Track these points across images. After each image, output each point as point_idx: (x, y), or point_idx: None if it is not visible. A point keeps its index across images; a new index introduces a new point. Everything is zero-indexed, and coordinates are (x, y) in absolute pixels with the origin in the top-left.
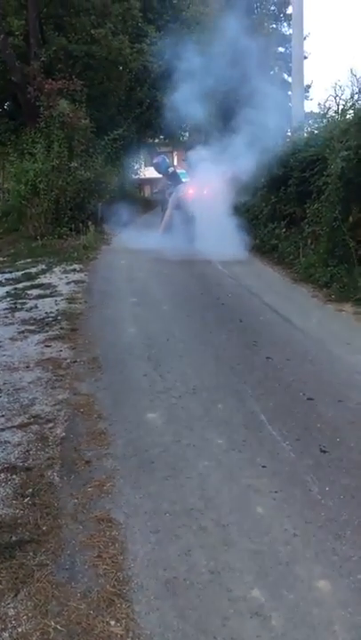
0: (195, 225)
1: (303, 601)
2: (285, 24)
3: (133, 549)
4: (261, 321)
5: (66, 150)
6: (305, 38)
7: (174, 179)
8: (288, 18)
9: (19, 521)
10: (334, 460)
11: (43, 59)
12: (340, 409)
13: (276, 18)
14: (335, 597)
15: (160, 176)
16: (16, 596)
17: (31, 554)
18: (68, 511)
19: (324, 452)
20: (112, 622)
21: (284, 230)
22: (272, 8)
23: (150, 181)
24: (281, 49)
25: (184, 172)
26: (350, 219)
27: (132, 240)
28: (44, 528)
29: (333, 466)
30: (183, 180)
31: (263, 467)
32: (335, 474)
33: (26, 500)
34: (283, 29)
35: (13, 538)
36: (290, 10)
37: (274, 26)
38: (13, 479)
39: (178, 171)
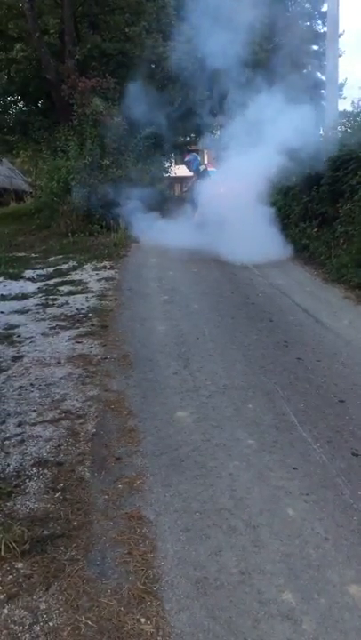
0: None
1: (335, 605)
2: (320, 22)
3: (164, 547)
4: (292, 321)
5: (98, 148)
6: (340, 36)
7: (205, 177)
8: (323, 15)
9: (50, 515)
10: None
11: (77, 57)
12: None
13: (310, 15)
14: None
15: (191, 174)
16: (47, 590)
17: (62, 548)
18: (98, 507)
19: (356, 455)
20: (142, 620)
21: (315, 230)
22: (307, 6)
23: (181, 180)
24: (315, 47)
25: (215, 170)
26: None
27: (163, 238)
28: (74, 523)
29: None
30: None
31: (294, 468)
32: None
33: (57, 495)
34: (317, 27)
35: (45, 532)
36: (325, 7)
37: (308, 23)
38: (45, 474)
39: (208, 169)
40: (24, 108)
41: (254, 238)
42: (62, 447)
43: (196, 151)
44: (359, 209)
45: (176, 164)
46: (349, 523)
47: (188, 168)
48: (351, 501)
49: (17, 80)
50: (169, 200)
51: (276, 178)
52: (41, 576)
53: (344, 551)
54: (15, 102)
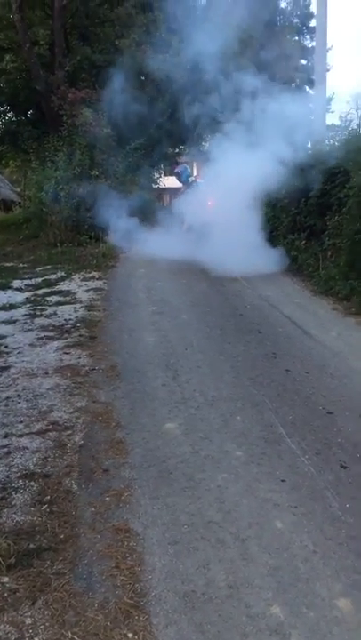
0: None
1: (323, 619)
2: (308, 36)
3: (151, 561)
4: (280, 332)
5: (87, 159)
6: (328, 51)
7: (193, 189)
8: (311, 30)
9: (36, 528)
10: (355, 476)
11: (67, 68)
12: None
13: (298, 30)
14: (356, 617)
15: (180, 185)
16: (33, 604)
17: (49, 562)
18: (85, 520)
19: (345, 467)
20: (129, 635)
21: (303, 242)
22: (295, 21)
23: (170, 191)
24: (303, 61)
25: (200, 181)
26: None
27: (151, 249)
28: (61, 536)
29: (354, 482)
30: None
31: (282, 480)
32: (356, 490)
33: (44, 508)
34: (305, 42)
35: (31, 545)
36: (313, 22)
37: (296, 38)
38: (31, 486)
39: (198, 180)
40: (13, 119)
41: (243, 250)
42: (49, 459)
43: (187, 162)
44: (347, 221)
45: (165, 175)
46: (338, 535)
47: (178, 179)
48: (340, 514)
49: (7, 90)
50: (158, 211)
51: (265, 190)
52: (27, 590)
53: (332, 564)
54: (5, 112)
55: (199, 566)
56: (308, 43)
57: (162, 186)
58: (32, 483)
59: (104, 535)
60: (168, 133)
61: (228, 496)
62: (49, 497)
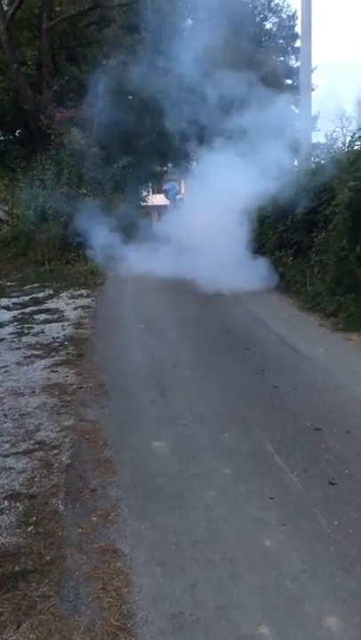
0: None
1: (312, 638)
2: (293, 57)
3: (138, 582)
4: (268, 349)
5: (75, 177)
6: (312, 71)
7: (180, 206)
8: (296, 51)
9: (22, 550)
10: (343, 493)
11: (54, 88)
12: (349, 440)
13: (284, 51)
14: (345, 635)
15: (168, 203)
16: (18, 628)
17: (34, 584)
18: (72, 541)
19: (333, 484)
20: None
21: (290, 259)
22: (280, 41)
23: (158, 208)
24: (289, 81)
25: (183, 199)
26: (358, 248)
27: (139, 267)
28: (47, 558)
29: (342, 499)
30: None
31: (271, 498)
32: (344, 507)
33: (29, 529)
34: (291, 62)
35: (16, 567)
36: (298, 43)
37: (282, 58)
38: (17, 507)
39: (182, 198)
40: (1, 138)
41: (231, 267)
42: (36, 479)
43: (176, 180)
44: (333, 238)
45: (153, 192)
46: (326, 553)
47: (166, 196)
48: (328, 531)
49: None
50: (146, 228)
51: (252, 207)
52: (12, 614)
53: (321, 583)
54: None
55: (187, 587)
56: (294, 63)
57: (150, 203)
58: (18, 503)
59: (90, 556)
60: (155, 152)
61: (217, 515)
62: (35, 518)
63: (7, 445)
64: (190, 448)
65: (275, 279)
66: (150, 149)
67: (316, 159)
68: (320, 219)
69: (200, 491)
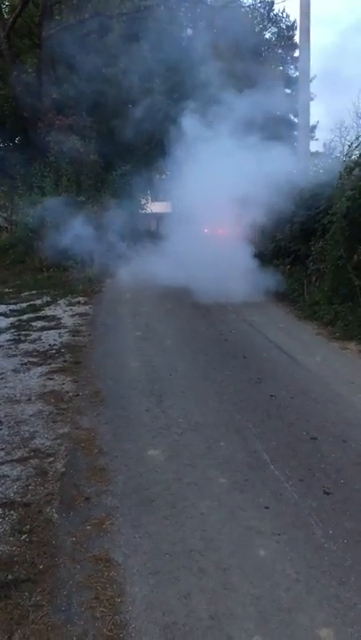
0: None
1: None
2: (292, 67)
3: (132, 591)
4: (265, 358)
5: (74, 184)
6: (311, 80)
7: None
8: (295, 61)
9: (15, 559)
10: (338, 503)
11: (54, 96)
12: (345, 449)
13: (283, 60)
14: None
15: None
16: (10, 637)
17: (27, 594)
18: (65, 550)
19: (328, 493)
20: None
21: (288, 267)
22: (279, 51)
23: (157, 216)
24: (288, 90)
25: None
26: (355, 257)
27: (137, 274)
28: (40, 567)
29: (337, 508)
30: None
31: (266, 508)
32: (339, 517)
33: (23, 537)
34: (290, 72)
35: (9, 576)
36: (297, 53)
37: (281, 68)
38: (11, 515)
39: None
40: (1, 145)
41: (229, 275)
42: (30, 487)
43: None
44: (330, 247)
45: (152, 200)
46: (321, 563)
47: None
48: (323, 541)
49: None
50: (145, 236)
51: (250, 216)
52: (4, 623)
53: (315, 593)
54: None
55: (180, 596)
56: (293, 73)
57: (148, 211)
58: (12, 512)
59: (84, 565)
60: (155, 160)
61: (211, 524)
62: (29, 526)
63: (2, 453)
64: (186, 457)
65: (272, 288)
66: (150, 157)
67: (315, 168)
68: (318, 227)
69: (195, 500)
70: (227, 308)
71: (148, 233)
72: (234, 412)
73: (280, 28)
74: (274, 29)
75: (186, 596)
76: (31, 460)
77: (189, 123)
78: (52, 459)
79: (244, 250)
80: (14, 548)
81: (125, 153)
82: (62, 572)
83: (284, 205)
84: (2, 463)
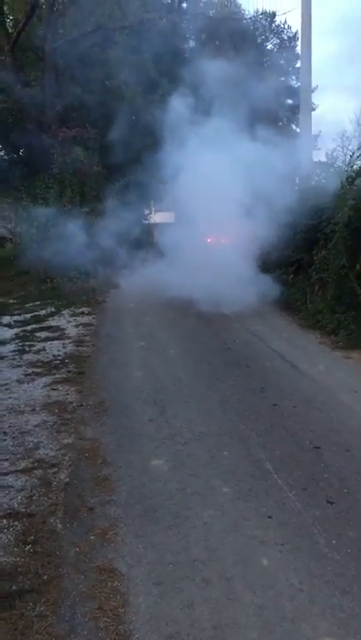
0: None
1: None
2: (294, 77)
3: (135, 602)
4: (268, 367)
5: (78, 195)
6: (313, 91)
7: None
8: (297, 71)
9: (19, 569)
10: (342, 512)
11: (58, 108)
12: (348, 459)
13: (285, 71)
14: None
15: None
16: None
17: (31, 604)
18: (69, 560)
19: (332, 503)
20: None
21: (291, 276)
22: (281, 62)
23: (160, 226)
24: (290, 101)
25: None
26: (357, 266)
27: (141, 284)
28: (44, 577)
29: (341, 518)
30: None
31: (269, 517)
32: (342, 526)
33: (27, 548)
34: (291, 82)
35: (13, 587)
36: (299, 64)
37: (283, 79)
38: (15, 525)
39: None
40: (5, 157)
41: (232, 284)
42: (34, 497)
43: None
44: (333, 256)
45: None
46: (324, 573)
47: None
48: (326, 551)
49: None
50: (148, 246)
51: (253, 226)
52: (8, 634)
53: (319, 603)
54: None
55: (184, 606)
56: (295, 83)
57: (152, 221)
58: (16, 522)
59: (88, 576)
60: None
61: (214, 534)
62: (33, 537)
63: (6, 464)
64: (189, 466)
65: (275, 297)
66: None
67: (317, 178)
68: (320, 237)
69: (198, 509)
70: (230, 318)
71: (152, 243)
72: (237, 421)
73: (282, 39)
74: (276, 40)
75: (189, 606)
76: (35, 471)
77: (191, 131)
78: (55, 469)
79: (246, 259)
80: (18, 559)
81: (129, 163)
82: (66, 583)
83: (286, 214)
84: (6, 474)
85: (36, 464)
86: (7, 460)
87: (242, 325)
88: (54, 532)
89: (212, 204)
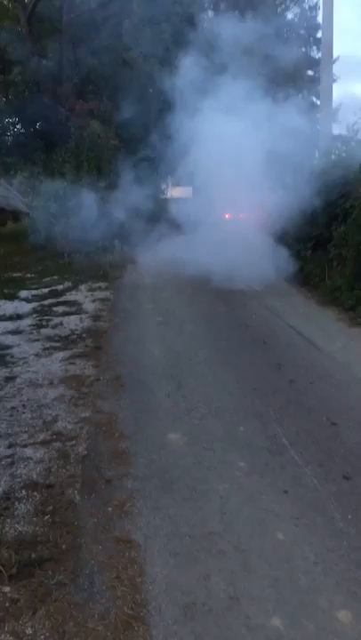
0: None
1: (323, 631)
2: (315, 47)
3: (152, 572)
4: (285, 343)
5: (95, 169)
6: (334, 62)
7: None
8: (318, 42)
9: (38, 539)
10: (358, 488)
11: (74, 80)
12: None
13: (305, 41)
14: (356, 629)
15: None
16: (34, 614)
17: (50, 572)
18: (87, 530)
19: (348, 478)
20: None
21: (309, 252)
22: (301, 32)
23: (177, 201)
24: (310, 72)
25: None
26: None
27: (157, 259)
28: (63, 547)
29: (357, 493)
30: None
31: (285, 492)
32: (358, 501)
33: (46, 518)
34: (312, 53)
35: (33, 555)
36: (320, 34)
37: (303, 49)
38: (34, 496)
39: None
40: (22, 130)
41: (250, 260)
42: (52, 469)
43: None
44: (352, 232)
45: (172, 185)
46: (339, 547)
47: None
48: (341, 525)
49: (15, 102)
50: (165, 221)
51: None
52: (28, 600)
53: (333, 576)
54: (13, 124)
55: (200, 577)
56: (315, 54)
57: (169, 196)
58: (35, 493)
59: (105, 546)
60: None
61: (230, 507)
62: (51, 507)
63: (25, 436)
64: (205, 441)
65: (293, 273)
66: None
67: (337, 152)
68: (340, 212)
69: (214, 483)
70: (247, 294)
71: (168, 219)
72: (254, 396)
73: (303, 9)
74: (297, 10)
75: (205, 577)
76: (53, 443)
77: (211, 104)
78: (73, 442)
79: (264, 235)
80: (37, 528)
81: (145, 137)
82: (84, 552)
83: (305, 189)
84: (25, 446)
85: (54, 437)
86: (26, 432)
87: (259, 302)
88: (72, 503)
89: (230, 178)
